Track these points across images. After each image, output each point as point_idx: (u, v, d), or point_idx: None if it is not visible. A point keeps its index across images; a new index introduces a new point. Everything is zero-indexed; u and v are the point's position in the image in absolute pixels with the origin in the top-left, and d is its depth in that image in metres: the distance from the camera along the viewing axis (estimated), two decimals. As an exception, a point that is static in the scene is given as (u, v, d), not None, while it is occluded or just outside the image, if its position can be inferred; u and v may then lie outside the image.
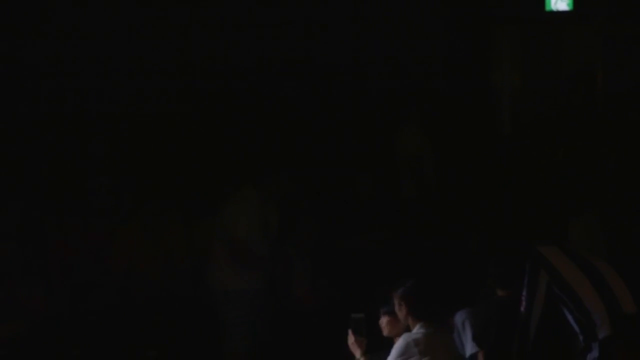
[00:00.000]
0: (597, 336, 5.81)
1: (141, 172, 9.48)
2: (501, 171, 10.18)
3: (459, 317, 7.00)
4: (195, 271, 8.08)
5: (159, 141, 10.56)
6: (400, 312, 6.26)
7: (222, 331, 7.64)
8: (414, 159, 10.11)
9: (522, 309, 6.06)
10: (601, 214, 8.32)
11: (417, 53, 11.26)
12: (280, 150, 10.18)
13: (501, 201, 9.35)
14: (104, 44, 10.62)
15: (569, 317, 5.92)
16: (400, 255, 8.64)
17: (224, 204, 7.76)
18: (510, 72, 12.23)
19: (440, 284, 6.57)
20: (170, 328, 7.87)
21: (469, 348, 6.88)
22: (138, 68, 10.66)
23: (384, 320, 6.43)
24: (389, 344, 6.34)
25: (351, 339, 6.33)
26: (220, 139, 10.78)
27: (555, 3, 11.52)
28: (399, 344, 6.18)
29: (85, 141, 9.89)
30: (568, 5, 11.50)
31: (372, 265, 8.34)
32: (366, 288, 7.69)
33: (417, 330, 6.20)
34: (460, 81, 11.58)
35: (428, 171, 10.23)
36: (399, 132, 10.28)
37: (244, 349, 7.61)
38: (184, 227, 8.41)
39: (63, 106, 10.53)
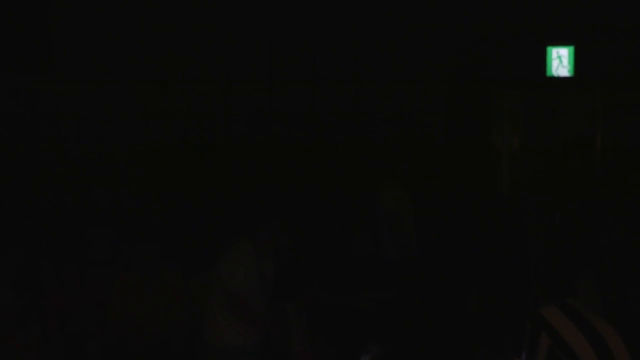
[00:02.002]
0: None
1: (140, 224, 9.49)
2: (498, 229, 10.19)
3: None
4: (192, 324, 8.04)
5: (157, 193, 10.57)
6: None
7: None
8: (394, 215, 10.04)
9: (521, 371, 6.07)
10: (597, 274, 8.33)
11: (419, 111, 11.33)
12: (276, 204, 10.19)
13: (500, 260, 9.36)
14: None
15: (570, 381, 5.92)
16: (398, 314, 8.63)
17: (221, 257, 7.74)
18: (510, 134, 12.31)
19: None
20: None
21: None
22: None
23: None
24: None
25: None
26: (216, 191, 10.80)
27: (557, 69, 11.64)
28: None
29: (86, 190, 9.91)
30: (569, 71, 11.62)
31: (370, 324, 8.32)
32: (362, 347, 7.67)
33: None
34: (461, 140, 11.65)
35: (408, 228, 10.14)
36: (382, 188, 10.22)
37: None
38: (182, 279, 8.39)
39: (63, 154, 10.54)
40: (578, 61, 11.51)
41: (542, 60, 11.56)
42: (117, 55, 10.66)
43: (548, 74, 11.60)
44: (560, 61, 11.55)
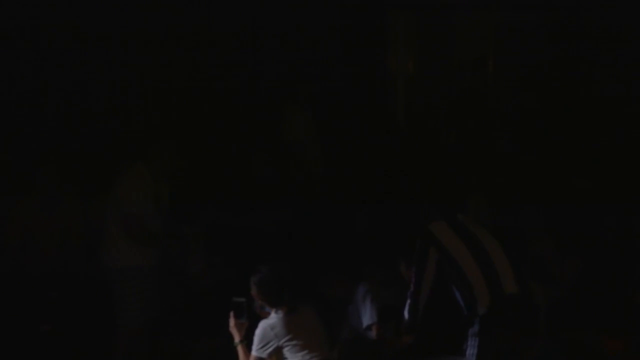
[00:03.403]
0: (477, 311, 6.01)
1: (36, 147, 9.40)
2: (396, 153, 10.32)
3: (361, 289, 7.16)
4: (90, 246, 8.05)
5: (54, 115, 10.45)
6: (257, 298, 6.35)
7: (116, 307, 7.64)
8: (297, 145, 10.10)
9: (411, 285, 6.23)
10: (489, 194, 8.50)
11: (311, 37, 11.29)
12: (172, 126, 10.16)
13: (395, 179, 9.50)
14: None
15: (456, 293, 6.11)
16: (295, 235, 8.74)
17: (117, 180, 7.74)
18: (404, 58, 12.36)
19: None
20: (64, 303, 7.85)
21: (367, 319, 7.05)
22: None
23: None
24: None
25: (232, 322, 6.40)
26: (113, 114, 10.71)
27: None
28: (256, 333, 6.29)
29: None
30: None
31: (269, 245, 8.41)
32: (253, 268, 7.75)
33: (272, 316, 6.31)
34: (354, 66, 11.67)
35: (313, 157, 10.21)
36: (283, 117, 10.25)
37: (138, 325, 7.62)
38: (79, 201, 8.37)
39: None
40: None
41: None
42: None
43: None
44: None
